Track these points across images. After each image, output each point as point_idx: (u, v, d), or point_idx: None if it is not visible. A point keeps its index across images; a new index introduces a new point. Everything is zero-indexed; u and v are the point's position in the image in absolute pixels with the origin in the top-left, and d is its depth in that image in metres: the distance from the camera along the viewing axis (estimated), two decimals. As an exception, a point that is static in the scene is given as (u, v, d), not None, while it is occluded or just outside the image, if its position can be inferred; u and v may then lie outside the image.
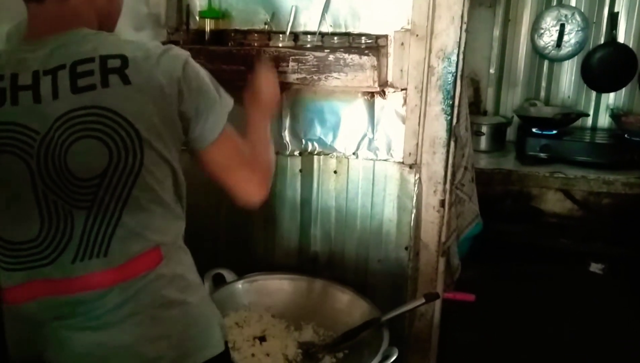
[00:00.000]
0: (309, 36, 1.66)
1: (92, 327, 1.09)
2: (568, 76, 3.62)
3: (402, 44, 1.65)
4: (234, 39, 1.70)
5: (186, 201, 1.22)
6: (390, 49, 1.67)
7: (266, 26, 1.71)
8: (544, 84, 3.65)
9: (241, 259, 1.89)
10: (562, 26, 3.47)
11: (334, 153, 1.81)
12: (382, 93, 1.70)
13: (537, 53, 3.60)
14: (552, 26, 3.51)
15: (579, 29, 3.46)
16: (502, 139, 3.61)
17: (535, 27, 3.54)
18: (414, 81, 1.67)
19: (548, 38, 3.52)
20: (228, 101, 1.22)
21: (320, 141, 1.80)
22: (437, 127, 1.71)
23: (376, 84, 1.58)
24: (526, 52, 3.64)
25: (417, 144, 1.71)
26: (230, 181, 1.25)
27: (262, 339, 1.65)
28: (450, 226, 1.85)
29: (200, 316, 1.19)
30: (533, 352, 2.76)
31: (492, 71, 3.72)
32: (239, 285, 1.78)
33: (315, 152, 1.82)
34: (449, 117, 1.71)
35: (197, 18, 1.76)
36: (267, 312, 1.74)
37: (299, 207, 1.87)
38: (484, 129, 3.52)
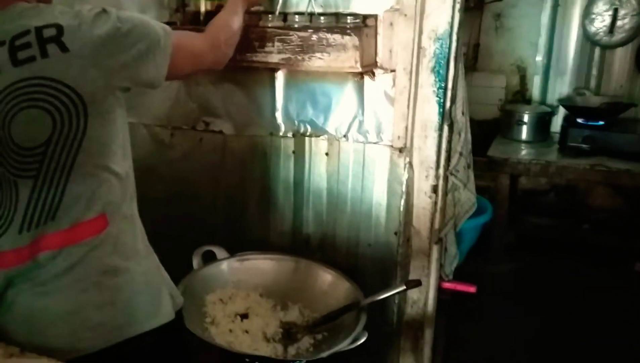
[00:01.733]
0: (297, 16, 1.66)
1: (38, 292, 1.14)
2: (621, 64, 3.44)
3: (391, 24, 1.61)
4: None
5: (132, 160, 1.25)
6: (380, 29, 1.63)
7: (260, 7, 1.72)
8: (594, 72, 3.49)
9: (237, 239, 1.92)
10: (616, 11, 3.29)
11: (326, 135, 1.80)
12: (372, 74, 1.68)
13: (587, 39, 3.44)
14: (604, 11, 3.33)
15: (634, 13, 3.27)
16: (546, 130, 3.48)
17: (586, 12, 3.38)
18: (402, 62, 1.63)
19: (600, 23, 3.35)
20: (164, 28, 1.23)
21: (312, 123, 1.80)
22: (429, 110, 1.66)
23: (358, 65, 1.55)
24: (576, 38, 3.50)
25: (407, 127, 1.67)
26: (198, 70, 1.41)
27: (244, 316, 1.67)
28: (445, 214, 1.80)
29: (147, 285, 1.23)
30: (569, 349, 2.69)
31: (539, 58, 3.59)
32: (229, 262, 1.80)
33: (308, 133, 1.82)
34: (442, 101, 1.65)
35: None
36: (255, 291, 1.76)
37: (292, 188, 1.88)
38: (526, 118, 3.40)
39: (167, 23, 1.75)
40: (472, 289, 1.94)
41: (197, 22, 1.77)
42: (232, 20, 1.52)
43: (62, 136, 1.08)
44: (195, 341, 1.45)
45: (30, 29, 1.07)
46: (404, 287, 1.63)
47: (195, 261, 1.77)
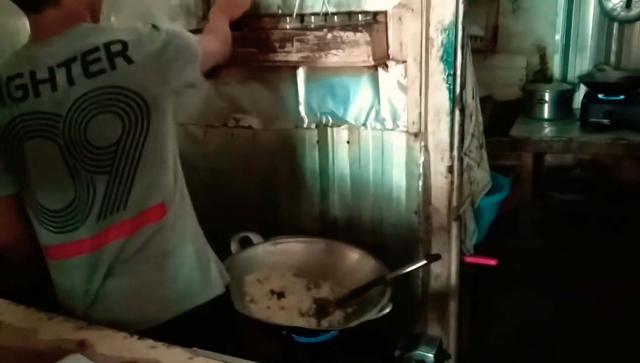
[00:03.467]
0: (313, 17, 1.79)
1: (110, 274, 1.32)
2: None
3: (400, 18, 1.74)
4: (249, 23, 1.87)
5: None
6: (390, 24, 1.76)
7: (279, 10, 1.87)
8: (614, 47, 3.52)
9: (270, 224, 2.08)
10: (632, -15, 3.31)
11: (346, 125, 1.94)
12: (385, 66, 1.81)
13: (605, 15, 3.47)
14: (620, -14, 3.36)
15: (650, -13, 3.29)
16: (568, 107, 3.53)
17: (602, -12, 3.40)
18: (412, 53, 1.75)
19: (617, -1, 3.37)
20: (198, 40, 1.44)
21: (333, 114, 1.94)
22: (440, 96, 1.78)
23: (371, 59, 1.68)
24: (594, 14, 3.52)
25: (420, 113, 1.80)
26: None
27: (281, 295, 1.82)
28: (462, 192, 1.92)
29: (199, 262, 1.40)
30: (596, 322, 2.76)
31: (557, 37, 3.64)
32: (264, 246, 1.96)
33: (329, 124, 1.96)
34: (452, 87, 1.77)
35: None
36: (289, 271, 1.90)
37: (318, 175, 2.02)
38: (547, 97, 3.46)
39: (194, 30, 1.94)
40: (493, 262, 2.05)
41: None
42: (226, 25, 1.70)
43: (130, 135, 1.25)
44: (238, 317, 1.61)
45: (99, 46, 1.24)
46: (425, 261, 1.75)
47: (234, 247, 1.93)
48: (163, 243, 1.34)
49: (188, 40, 1.38)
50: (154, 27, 1.32)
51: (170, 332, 1.24)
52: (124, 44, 1.25)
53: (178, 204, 1.38)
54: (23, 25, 2.31)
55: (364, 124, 1.91)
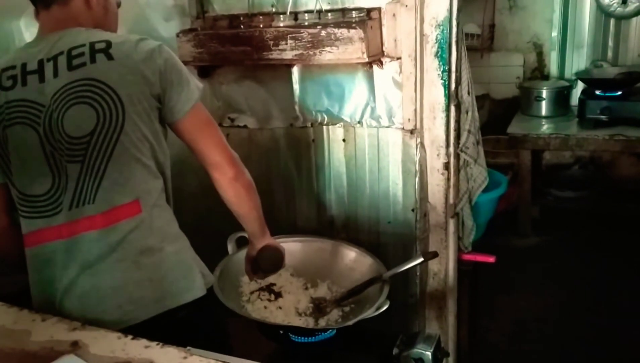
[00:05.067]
0: (306, 15, 1.79)
1: (88, 273, 1.32)
2: (636, 33, 3.47)
3: (394, 15, 1.73)
4: (243, 22, 1.87)
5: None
6: (384, 21, 1.75)
7: (273, 8, 1.86)
8: (610, 44, 3.52)
9: (267, 224, 2.06)
10: (627, -19, 3.31)
11: (341, 123, 1.93)
12: (380, 63, 1.80)
13: (602, 12, 3.47)
14: (616, -18, 3.36)
15: (646, -18, 3.29)
16: (565, 104, 3.53)
17: (598, -16, 3.40)
18: (407, 49, 1.74)
19: (613, -6, 3.37)
20: (198, 84, 1.42)
21: (328, 112, 1.93)
22: (435, 93, 1.78)
23: (365, 55, 1.67)
24: (590, 11, 3.51)
25: (416, 110, 1.79)
26: (200, 147, 1.42)
27: (278, 294, 1.81)
28: (459, 189, 1.92)
29: (179, 263, 1.39)
30: (595, 320, 2.75)
31: (554, 33, 3.64)
32: (261, 246, 1.94)
33: (325, 122, 1.95)
34: (447, 83, 1.76)
35: (214, 6, 1.95)
36: (286, 271, 1.89)
37: (314, 174, 2.02)
38: (544, 94, 3.46)
39: (189, 30, 1.93)
40: (491, 259, 2.05)
41: (216, 28, 1.92)
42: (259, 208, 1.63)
43: (104, 128, 1.28)
44: (234, 317, 1.60)
45: (86, 43, 1.30)
46: (422, 259, 1.74)
47: (230, 247, 1.92)
48: (141, 242, 1.34)
49: (184, 71, 1.39)
50: (160, 47, 1.35)
51: (147, 332, 1.21)
52: (109, 43, 1.31)
53: (157, 204, 1.37)
54: (17, 27, 2.31)
55: (360, 122, 1.90)
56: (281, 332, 1.64)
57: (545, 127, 3.36)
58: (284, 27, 1.77)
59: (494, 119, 3.61)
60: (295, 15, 1.82)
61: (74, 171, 1.29)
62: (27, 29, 2.29)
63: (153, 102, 1.34)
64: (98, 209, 1.30)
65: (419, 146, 1.82)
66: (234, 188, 1.48)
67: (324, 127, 1.96)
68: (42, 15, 1.36)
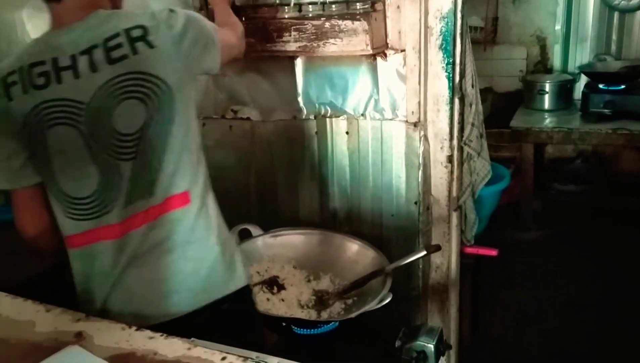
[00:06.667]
0: (310, 6, 1.78)
1: (137, 265, 1.30)
2: (641, 27, 3.43)
3: (398, 7, 1.73)
4: (247, 14, 1.86)
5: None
6: (388, 12, 1.75)
7: (277, 0, 1.85)
8: (614, 37, 3.50)
9: (270, 217, 2.07)
10: (632, -26, 3.30)
11: (345, 115, 1.92)
12: (384, 55, 1.79)
13: (606, 5, 3.46)
14: (620, -25, 3.34)
15: (650, -25, 3.27)
16: (568, 98, 3.52)
17: (602, -22, 3.39)
18: (411, 41, 1.74)
19: (617, -12, 3.36)
20: (216, 28, 1.42)
21: (332, 104, 1.93)
22: (439, 85, 1.77)
23: (369, 47, 1.67)
24: (594, 4, 3.50)
25: (419, 102, 1.78)
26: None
27: (281, 287, 1.81)
28: (462, 182, 1.91)
29: (223, 253, 1.37)
30: (597, 314, 2.76)
31: (558, 27, 3.62)
32: (263, 239, 1.95)
33: (328, 115, 1.95)
34: (451, 75, 1.76)
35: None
36: (289, 263, 1.90)
37: (317, 167, 2.01)
38: (547, 87, 3.45)
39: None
40: (493, 252, 2.05)
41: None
42: (234, 16, 1.68)
43: (155, 121, 1.24)
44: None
45: (119, 32, 1.23)
46: (425, 252, 1.74)
47: (234, 239, 1.93)
48: (187, 234, 1.32)
49: (206, 27, 1.36)
50: (172, 11, 1.31)
51: (190, 325, 1.23)
52: (145, 29, 1.24)
53: (202, 194, 1.35)
54: (19, 18, 2.30)
55: (363, 114, 1.90)
56: (284, 324, 1.64)
57: (548, 121, 3.35)
58: (287, 18, 1.76)
59: (496, 112, 3.60)
60: (299, 6, 1.81)
61: (126, 168, 1.25)
62: (29, 20, 2.29)
63: (193, 83, 1.34)
64: (151, 204, 1.28)
65: (422, 138, 1.82)
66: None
67: (327, 119, 1.95)
68: (54, 7, 1.28)
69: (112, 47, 1.22)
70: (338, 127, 1.95)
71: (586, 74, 3.33)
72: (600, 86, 3.18)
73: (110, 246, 1.30)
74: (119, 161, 1.25)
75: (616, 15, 3.43)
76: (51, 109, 1.23)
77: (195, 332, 1.15)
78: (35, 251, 1.43)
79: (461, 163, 1.89)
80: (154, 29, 1.25)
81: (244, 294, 1.42)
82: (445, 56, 1.74)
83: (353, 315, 1.60)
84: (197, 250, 1.34)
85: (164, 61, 1.25)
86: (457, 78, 1.78)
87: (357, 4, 1.72)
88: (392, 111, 1.85)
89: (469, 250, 2.06)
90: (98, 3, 1.28)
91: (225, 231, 1.44)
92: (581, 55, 3.59)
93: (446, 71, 1.76)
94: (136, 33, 1.23)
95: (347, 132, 1.94)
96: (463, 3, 1.72)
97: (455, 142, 1.83)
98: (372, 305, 1.59)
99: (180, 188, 1.30)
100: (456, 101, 1.80)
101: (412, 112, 1.80)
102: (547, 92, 3.43)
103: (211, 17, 1.96)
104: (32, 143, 1.27)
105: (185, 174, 1.31)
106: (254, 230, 1.97)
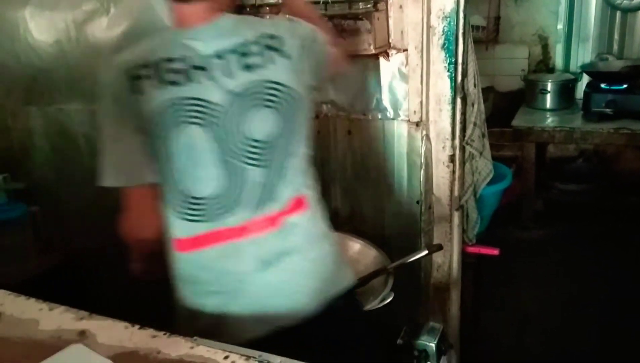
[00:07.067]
0: (313, 6, 1.78)
1: (261, 268, 1.30)
2: (643, 26, 3.43)
3: (401, 6, 1.73)
4: (250, 13, 1.86)
5: None
6: (391, 12, 1.75)
7: (279, -1, 1.85)
8: (616, 37, 3.50)
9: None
10: (634, -27, 3.29)
11: (347, 115, 1.93)
12: (386, 55, 1.80)
13: (608, 4, 3.45)
14: (623, -26, 3.34)
15: (653, -25, 3.27)
16: (570, 97, 3.52)
17: (604, -23, 3.38)
18: (413, 41, 1.74)
19: (619, -13, 3.36)
20: (326, 39, 1.41)
21: (334, 104, 1.93)
22: (442, 85, 1.77)
23: (372, 47, 1.67)
24: (596, 4, 3.50)
25: (421, 102, 1.79)
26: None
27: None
28: (464, 182, 1.92)
29: (334, 253, 1.40)
30: (598, 314, 2.76)
31: (560, 26, 3.62)
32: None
33: (330, 114, 1.95)
34: (453, 75, 1.76)
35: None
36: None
37: (319, 166, 2.01)
38: (549, 87, 3.45)
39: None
40: (495, 252, 2.05)
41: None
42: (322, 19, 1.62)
43: (283, 130, 1.26)
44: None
45: (252, 39, 1.24)
46: (427, 251, 1.75)
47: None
48: (306, 236, 1.33)
49: (322, 38, 1.38)
50: (290, 19, 1.35)
51: (308, 327, 1.27)
52: (277, 39, 1.26)
53: (316, 197, 1.38)
54: (22, 16, 2.31)
55: (365, 114, 1.90)
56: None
57: (550, 120, 3.35)
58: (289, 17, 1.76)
59: (498, 111, 3.60)
60: (301, 6, 1.81)
61: (252, 173, 1.25)
62: (32, 19, 2.29)
63: (311, 91, 1.34)
64: (274, 209, 1.28)
65: (424, 138, 1.82)
66: None
67: (330, 119, 1.96)
68: (179, 7, 1.25)
69: (246, 54, 1.23)
70: (341, 127, 1.95)
71: (588, 73, 3.33)
72: (602, 85, 3.17)
73: (230, 249, 1.28)
74: (246, 166, 1.25)
75: (618, 14, 3.43)
76: (183, 108, 1.21)
77: (313, 334, 1.20)
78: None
79: (463, 163, 1.89)
80: (285, 39, 1.27)
81: (351, 293, 1.44)
82: (447, 55, 1.74)
83: (355, 314, 1.61)
84: (316, 251, 1.35)
85: (295, 71, 1.27)
86: (460, 78, 1.78)
87: (360, 3, 1.72)
88: (394, 111, 1.85)
89: (471, 249, 2.06)
90: (223, 7, 1.28)
91: (333, 230, 1.45)
92: (583, 54, 3.59)
93: (448, 71, 1.76)
94: (269, 42, 1.25)
95: (349, 132, 1.94)
96: (465, 3, 1.72)
97: (457, 141, 1.83)
98: (374, 304, 1.60)
99: (299, 193, 1.32)
100: (458, 100, 1.80)
101: (415, 111, 1.80)
102: (549, 92, 3.43)
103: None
104: (156, 140, 1.23)
105: (303, 179, 1.34)
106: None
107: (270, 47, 1.24)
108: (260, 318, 1.28)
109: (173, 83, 1.20)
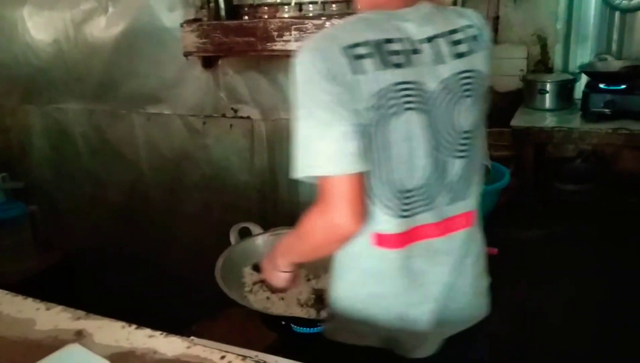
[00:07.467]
0: (311, 6, 1.78)
1: (458, 271, 1.32)
2: (642, 27, 3.42)
3: (398, 6, 1.72)
4: (247, 13, 1.86)
5: None
6: (388, 12, 1.74)
7: (277, -1, 1.86)
8: (615, 37, 3.48)
9: (268, 215, 2.08)
10: (633, -27, 3.28)
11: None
12: (384, 55, 1.79)
13: (607, 4, 3.44)
14: (622, -26, 3.33)
15: (652, -25, 3.26)
16: (569, 97, 3.51)
17: (603, -23, 3.37)
18: (411, 41, 1.74)
19: (618, -13, 3.35)
20: None
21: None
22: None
23: (369, 47, 1.67)
24: (595, 4, 3.49)
25: (419, 102, 1.78)
26: None
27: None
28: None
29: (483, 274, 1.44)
30: (597, 314, 2.75)
31: (559, 26, 3.61)
32: (263, 237, 1.96)
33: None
34: (451, 74, 1.76)
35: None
36: (289, 262, 1.89)
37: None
38: (548, 87, 3.44)
39: (193, 20, 1.93)
40: (493, 251, 2.04)
41: (218, 17, 1.92)
42: None
43: (481, 121, 1.31)
44: (236, 308, 1.60)
45: (458, 27, 1.27)
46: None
47: (233, 237, 1.94)
48: (478, 247, 1.37)
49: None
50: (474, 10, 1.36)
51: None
52: (478, 28, 1.30)
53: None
54: (20, 16, 2.31)
55: (363, 114, 1.89)
56: (283, 322, 1.65)
57: (549, 121, 3.34)
58: (288, 18, 1.77)
59: (497, 111, 3.56)
60: (299, 6, 1.82)
61: (453, 165, 1.25)
62: (30, 18, 2.29)
63: None
64: (467, 208, 1.29)
65: (422, 138, 1.82)
66: None
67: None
68: None
69: (455, 42, 1.24)
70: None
71: (587, 73, 3.32)
72: (601, 85, 3.17)
73: (430, 247, 1.27)
74: (448, 158, 1.25)
75: (617, 14, 3.41)
76: (405, 92, 1.17)
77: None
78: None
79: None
80: (482, 28, 1.31)
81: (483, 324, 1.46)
82: (445, 54, 1.74)
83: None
84: (481, 265, 1.39)
85: (490, 60, 1.30)
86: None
87: (358, 3, 1.72)
88: (392, 111, 1.84)
89: (468, 249, 2.05)
90: None
91: None
92: (582, 54, 3.58)
93: (446, 70, 1.75)
94: (473, 32, 1.28)
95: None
96: (464, 2, 1.72)
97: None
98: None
99: (475, 206, 1.33)
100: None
101: (412, 111, 1.80)
102: (548, 92, 3.42)
103: (214, 15, 1.98)
104: (374, 125, 1.16)
105: (478, 186, 1.34)
106: (254, 228, 1.97)
107: (473, 37, 1.26)
108: (444, 323, 1.30)
109: (397, 65, 1.16)
